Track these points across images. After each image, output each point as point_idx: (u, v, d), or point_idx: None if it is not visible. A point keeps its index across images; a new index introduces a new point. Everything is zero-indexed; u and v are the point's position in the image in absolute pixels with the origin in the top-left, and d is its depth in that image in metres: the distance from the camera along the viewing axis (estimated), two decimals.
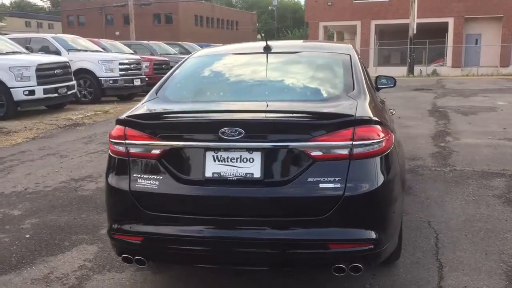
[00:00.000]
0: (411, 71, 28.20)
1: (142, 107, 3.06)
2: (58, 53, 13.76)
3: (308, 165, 2.64)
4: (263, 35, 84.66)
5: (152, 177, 2.76)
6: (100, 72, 13.82)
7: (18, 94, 10.88)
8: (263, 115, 2.80)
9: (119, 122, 2.88)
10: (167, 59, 17.14)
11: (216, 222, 2.69)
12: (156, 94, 3.27)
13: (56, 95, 11.60)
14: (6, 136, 9.15)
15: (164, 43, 20.70)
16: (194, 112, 2.92)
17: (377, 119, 2.78)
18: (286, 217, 2.65)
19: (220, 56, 3.92)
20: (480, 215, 4.46)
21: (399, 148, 3.27)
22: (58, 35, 15.30)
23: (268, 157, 2.67)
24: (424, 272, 3.40)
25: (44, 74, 11.27)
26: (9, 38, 13.71)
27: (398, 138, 3.49)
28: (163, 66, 16.55)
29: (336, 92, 3.14)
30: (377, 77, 5.36)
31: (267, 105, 2.99)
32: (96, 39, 16.50)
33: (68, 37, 15.07)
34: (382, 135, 2.74)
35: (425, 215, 4.48)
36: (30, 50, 13.00)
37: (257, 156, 2.67)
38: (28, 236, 4.18)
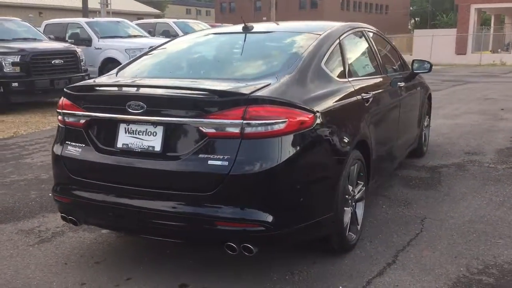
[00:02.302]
0: None
1: (88, 80, 3.34)
2: (176, 36, 14.79)
3: (201, 141, 2.69)
4: (417, 19, 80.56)
5: (78, 144, 3.04)
6: None
7: None
8: (162, 90, 2.89)
9: (63, 93, 3.20)
10: None
11: (122, 191, 2.88)
12: (117, 70, 3.53)
13: None
14: None
15: None
16: (110, 85, 3.11)
17: (280, 99, 2.72)
18: (178, 191, 2.73)
19: (200, 36, 4.05)
20: (490, 217, 4.00)
21: (328, 134, 3.05)
22: (180, 20, 16.42)
23: (168, 131, 2.77)
24: (368, 266, 3.21)
25: None
26: (137, 24, 15.12)
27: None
28: None
29: (265, 72, 3.09)
30: (413, 61, 5.07)
31: (178, 81, 3.07)
32: (218, 24, 17.35)
33: (188, 22, 16.10)
34: (284, 116, 2.66)
35: (426, 211, 4.14)
36: (152, 34, 14.19)
37: (159, 131, 2.79)
38: (50, 195, 4.76)
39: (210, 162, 2.65)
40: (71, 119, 3.09)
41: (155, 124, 2.80)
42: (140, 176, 2.84)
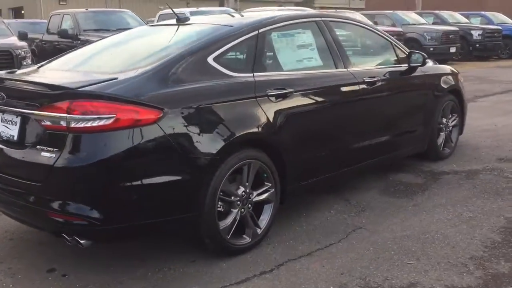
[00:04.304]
0: None
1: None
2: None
3: (41, 133, 2.83)
4: None
5: None
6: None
7: None
8: (14, 83, 3.06)
9: None
10: (400, 29, 16.36)
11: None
12: (46, 63, 3.79)
13: None
14: None
15: (416, 12, 19.66)
16: None
17: (108, 95, 2.74)
18: (23, 179, 2.89)
19: (140, 28, 4.17)
20: (434, 234, 3.52)
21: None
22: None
23: (22, 122, 2.95)
24: (240, 273, 3.06)
25: None
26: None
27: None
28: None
29: (133, 66, 3.08)
30: (409, 54, 4.60)
31: (46, 74, 3.23)
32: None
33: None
34: (111, 111, 2.68)
35: (369, 221, 3.77)
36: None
37: (18, 120, 2.98)
38: None
39: (42, 153, 2.77)
40: None
41: (16, 114, 2.99)
42: (5, 163, 3.06)
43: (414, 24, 17.47)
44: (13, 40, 10.47)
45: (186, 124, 2.92)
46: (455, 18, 19.94)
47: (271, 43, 3.62)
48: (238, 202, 3.22)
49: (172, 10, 3.91)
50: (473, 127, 6.69)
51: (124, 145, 2.72)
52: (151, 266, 3.16)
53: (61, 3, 30.45)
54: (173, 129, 2.87)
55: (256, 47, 3.46)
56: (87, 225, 2.73)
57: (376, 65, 4.50)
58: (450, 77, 5.28)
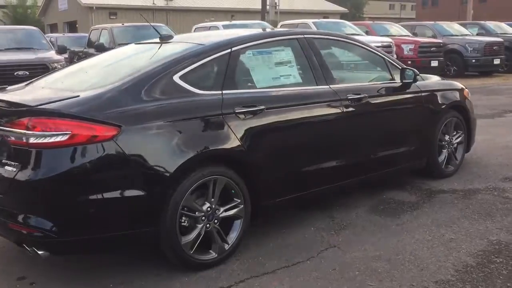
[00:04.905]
0: None
1: None
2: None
3: (6, 147, 2.99)
4: None
5: None
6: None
7: None
8: None
9: None
10: (439, 41, 15.96)
11: None
12: (40, 78, 3.99)
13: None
14: None
15: (459, 23, 19.07)
16: None
17: (64, 112, 2.87)
18: None
19: (126, 46, 4.32)
20: (406, 255, 3.44)
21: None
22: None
23: None
24: None
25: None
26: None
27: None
28: (432, 49, 15.50)
29: (100, 85, 3.20)
30: (401, 70, 4.53)
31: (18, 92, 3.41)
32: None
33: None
34: (66, 128, 2.81)
35: (346, 240, 3.71)
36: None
37: None
38: None
39: (6, 167, 2.94)
40: None
41: None
42: None
43: (456, 35, 17.11)
44: (51, 54, 10.98)
45: (144, 140, 3.01)
46: (502, 28, 19.25)
47: (244, 61, 3.66)
48: (203, 218, 3.26)
49: (153, 27, 4.04)
50: (490, 144, 6.48)
51: (79, 161, 2.84)
52: (115, 278, 3.23)
53: (111, 17, 31.58)
54: (131, 145, 2.96)
55: (227, 65, 3.50)
56: (43, 237, 2.85)
57: (366, 82, 4.45)
58: (453, 92, 5.14)
